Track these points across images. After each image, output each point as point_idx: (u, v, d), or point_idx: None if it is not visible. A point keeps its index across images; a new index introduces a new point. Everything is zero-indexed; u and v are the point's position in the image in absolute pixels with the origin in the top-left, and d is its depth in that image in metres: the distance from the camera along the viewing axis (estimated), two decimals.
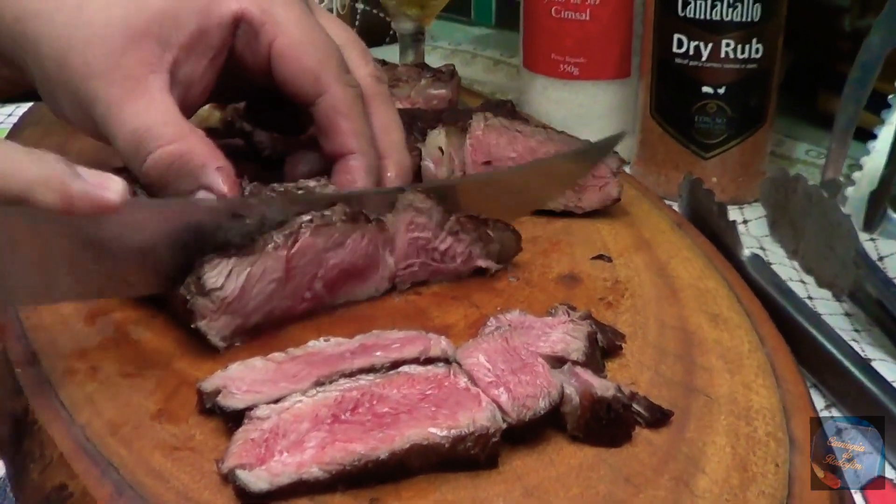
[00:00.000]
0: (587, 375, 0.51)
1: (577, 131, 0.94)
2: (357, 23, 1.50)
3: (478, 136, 0.78)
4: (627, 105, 1.01)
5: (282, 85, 0.67)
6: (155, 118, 0.60)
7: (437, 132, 0.80)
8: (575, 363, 0.53)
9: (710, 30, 0.87)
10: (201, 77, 0.65)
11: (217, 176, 0.61)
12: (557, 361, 0.53)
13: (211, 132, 0.86)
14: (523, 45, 1.06)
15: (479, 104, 0.92)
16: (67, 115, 0.65)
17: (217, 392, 0.50)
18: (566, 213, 0.78)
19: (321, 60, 0.66)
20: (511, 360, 0.52)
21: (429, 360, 0.52)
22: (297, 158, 0.75)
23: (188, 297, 0.55)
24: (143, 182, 0.62)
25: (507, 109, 0.88)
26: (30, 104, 1.04)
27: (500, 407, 0.49)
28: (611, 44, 0.99)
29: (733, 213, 0.91)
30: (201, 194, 0.61)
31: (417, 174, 0.81)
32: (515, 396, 0.50)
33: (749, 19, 0.86)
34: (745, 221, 0.91)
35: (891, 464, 0.59)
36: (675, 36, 0.88)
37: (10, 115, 1.11)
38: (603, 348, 0.58)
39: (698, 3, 0.87)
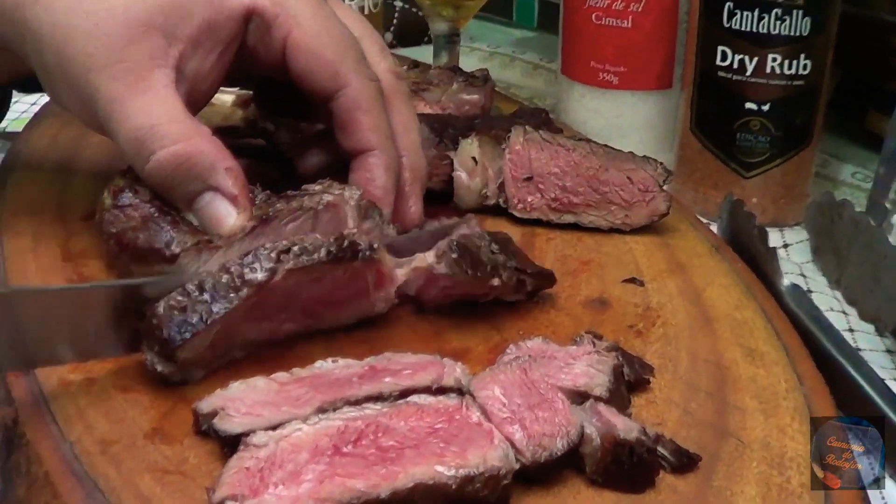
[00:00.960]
0: (610, 414, 0.48)
1: (614, 143, 0.90)
2: (395, 21, 1.47)
3: (517, 150, 0.75)
4: (668, 118, 0.97)
5: (298, 80, 0.64)
6: (159, 116, 0.57)
7: (469, 141, 0.77)
8: (598, 399, 0.49)
9: (756, 43, 0.83)
10: (209, 72, 0.62)
11: (226, 177, 0.58)
12: (579, 397, 0.50)
13: (232, 131, 0.83)
14: (562, 51, 1.02)
15: (513, 112, 0.89)
16: (68, 107, 0.62)
17: (214, 413, 0.47)
18: (595, 230, 0.75)
19: (340, 53, 0.63)
20: (529, 394, 0.48)
21: (441, 390, 0.49)
22: (307, 152, 0.73)
23: (155, 367, 0.52)
24: (147, 184, 0.59)
25: (542, 119, 0.85)
26: None
27: (513, 446, 0.46)
28: (652, 53, 0.95)
29: (774, 237, 0.87)
30: (208, 196, 0.58)
31: (449, 184, 0.78)
32: (531, 435, 0.46)
33: (797, 33, 0.82)
34: (785, 245, 0.87)
35: None
36: (720, 48, 0.85)
37: (33, 103, 1.09)
38: (629, 382, 0.54)
39: (745, 14, 0.83)
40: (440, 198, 0.78)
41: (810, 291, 0.77)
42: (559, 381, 0.50)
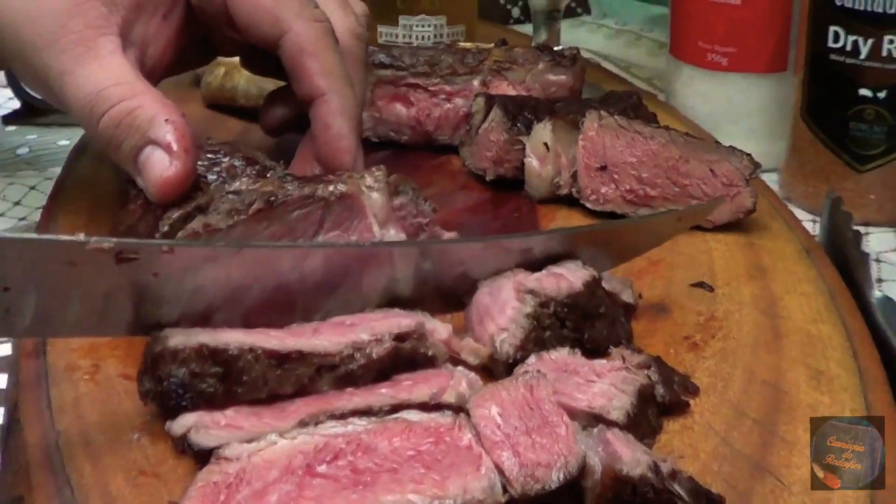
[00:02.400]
0: (619, 444, 0.42)
1: (723, 129, 0.85)
2: None
3: (591, 136, 0.70)
4: (781, 104, 0.89)
5: (244, 33, 0.63)
6: (105, 81, 0.57)
7: (542, 125, 0.72)
8: (611, 424, 0.44)
9: (871, 23, 0.75)
10: (156, 35, 0.62)
11: (164, 127, 0.56)
12: (593, 420, 0.45)
13: None
14: (670, 30, 0.95)
15: (603, 95, 0.83)
16: (35, 89, 0.63)
17: (186, 433, 0.44)
18: None
19: None
20: (529, 415, 0.43)
21: (439, 406, 0.44)
22: (269, 106, 0.71)
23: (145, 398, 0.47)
24: (99, 147, 0.59)
25: (632, 104, 0.79)
26: None
27: (502, 474, 0.41)
28: (765, 33, 0.87)
29: (888, 239, 0.79)
30: (148, 150, 0.56)
31: (521, 171, 0.73)
32: (524, 463, 0.41)
33: None
34: None
35: None
36: (831, 28, 0.77)
37: None
38: (663, 404, 0.49)
39: None
40: (511, 185, 0.74)
41: None
42: (574, 401, 0.45)
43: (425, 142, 0.82)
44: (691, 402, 0.50)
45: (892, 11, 0.74)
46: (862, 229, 0.73)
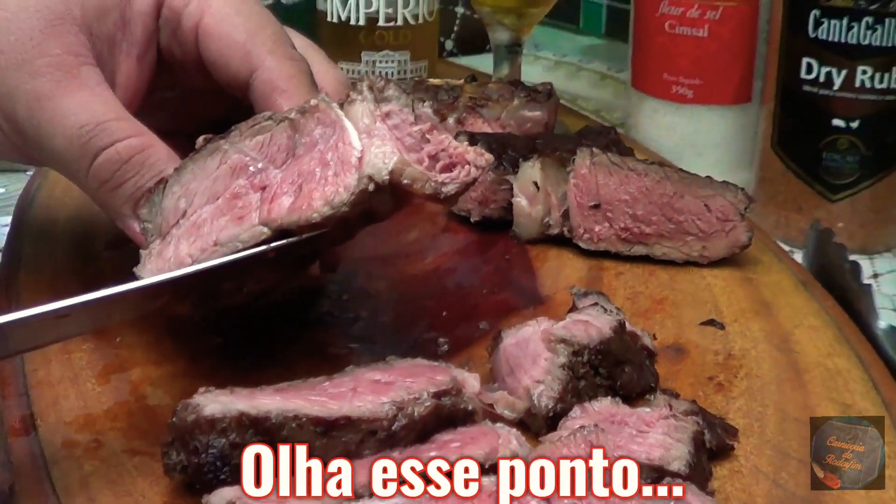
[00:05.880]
0: (693, 498, 0.40)
1: (688, 161, 0.85)
2: (456, 29, 1.40)
3: (583, 174, 0.68)
4: (746, 135, 0.89)
5: (215, 72, 0.57)
6: (105, 113, 0.52)
7: (530, 164, 0.70)
8: (675, 476, 0.42)
9: (844, 54, 0.75)
10: (128, 78, 0.57)
11: None
12: (653, 472, 0.42)
13: None
14: (632, 62, 0.95)
15: (579, 130, 0.82)
16: None
17: None
18: (669, 263, 0.68)
19: (252, 32, 0.56)
20: None
21: (494, 468, 0.42)
22: None
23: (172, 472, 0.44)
24: (84, 183, 0.53)
25: (611, 138, 0.78)
26: None
27: None
28: (730, 65, 0.88)
29: (862, 265, 0.79)
30: None
31: (508, 211, 0.71)
32: None
33: (890, 44, 0.74)
34: (875, 276, 0.79)
35: None
36: (804, 60, 0.77)
37: None
38: (711, 449, 0.47)
39: (832, 23, 0.75)
40: (498, 226, 0.72)
41: None
42: (632, 453, 0.43)
43: None
44: (735, 445, 0.49)
45: (866, 43, 0.74)
46: None
